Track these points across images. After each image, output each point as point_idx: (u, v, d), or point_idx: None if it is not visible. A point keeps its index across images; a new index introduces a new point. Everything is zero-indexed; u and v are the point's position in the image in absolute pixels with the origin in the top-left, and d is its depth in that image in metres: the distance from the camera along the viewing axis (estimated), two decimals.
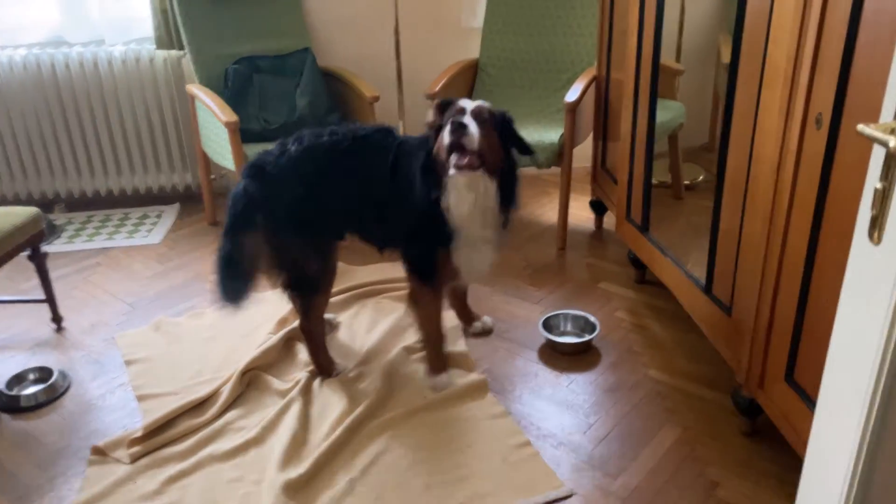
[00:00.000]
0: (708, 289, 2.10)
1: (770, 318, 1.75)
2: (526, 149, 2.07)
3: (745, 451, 1.94)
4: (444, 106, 2.05)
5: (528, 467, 1.91)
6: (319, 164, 2.10)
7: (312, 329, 2.26)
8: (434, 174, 2.00)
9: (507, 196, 2.05)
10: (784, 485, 1.82)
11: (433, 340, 2.24)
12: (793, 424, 1.69)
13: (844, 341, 1.08)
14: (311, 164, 2.10)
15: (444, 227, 2.03)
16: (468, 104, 2.00)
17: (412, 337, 2.44)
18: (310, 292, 2.22)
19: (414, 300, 2.21)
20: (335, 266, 2.27)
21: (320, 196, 2.10)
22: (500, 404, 2.15)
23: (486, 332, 2.52)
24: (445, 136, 1.91)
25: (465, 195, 1.99)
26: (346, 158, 2.11)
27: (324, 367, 2.28)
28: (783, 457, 1.88)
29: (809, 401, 1.62)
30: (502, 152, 2.02)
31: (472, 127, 1.91)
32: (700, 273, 2.17)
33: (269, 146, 3.01)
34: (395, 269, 2.67)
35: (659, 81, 2.38)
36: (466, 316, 2.54)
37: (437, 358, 2.25)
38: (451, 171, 1.92)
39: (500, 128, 2.01)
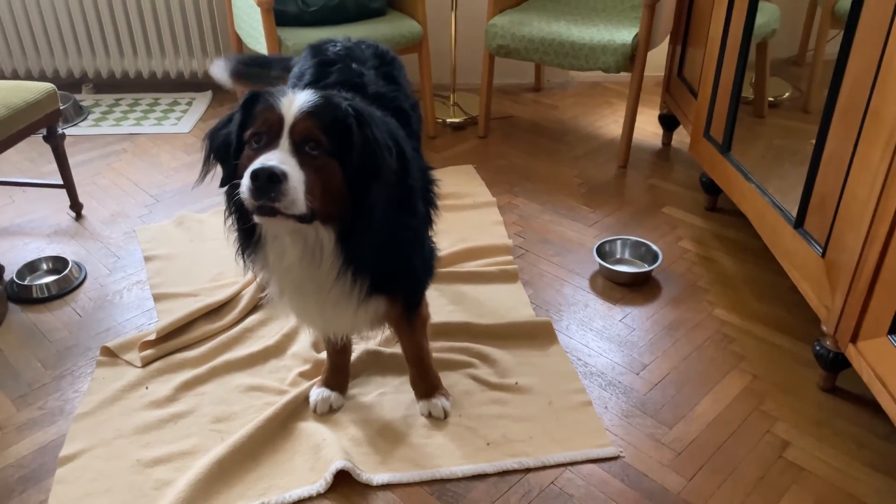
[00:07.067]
0: (799, 223, 1.82)
1: (879, 263, 1.49)
2: (378, 171, 1.27)
3: (821, 409, 1.72)
4: (251, 103, 1.27)
5: (575, 416, 1.70)
6: None
7: None
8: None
9: (362, 255, 1.33)
10: (864, 450, 1.61)
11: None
12: (890, 387, 1.46)
13: None
14: None
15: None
16: (292, 105, 1.20)
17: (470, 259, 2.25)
18: None
19: None
20: None
21: None
22: (560, 343, 1.92)
23: (433, 416, 1.70)
24: (245, 180, 1.18)
25: (283, 251, 1.35)
26: None
27: None
28: (864, 418, 1.68)
29: None
30: (346, 191, 1.26)
31: (290, 170, 1.17)
32: (788, 203, 1.88)
33: (306, 31, 2.77)
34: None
35: None
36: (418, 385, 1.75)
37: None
38: (255, 218, 1.24)
39: (341, 144, 1.23)
